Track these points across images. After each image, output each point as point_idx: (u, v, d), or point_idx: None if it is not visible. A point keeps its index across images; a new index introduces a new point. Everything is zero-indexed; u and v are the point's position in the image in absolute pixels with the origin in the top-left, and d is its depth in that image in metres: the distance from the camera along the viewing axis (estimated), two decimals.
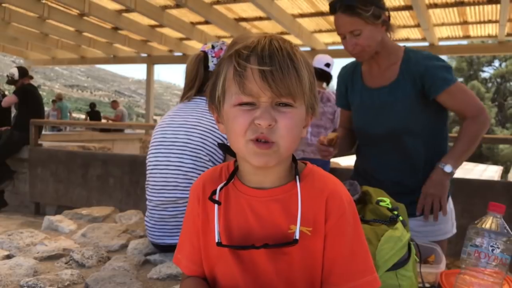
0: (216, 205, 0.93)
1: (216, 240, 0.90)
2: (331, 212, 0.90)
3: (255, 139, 0.83)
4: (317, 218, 0.90)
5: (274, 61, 0.82)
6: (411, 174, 1.84)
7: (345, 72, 2.01)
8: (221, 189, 0.95)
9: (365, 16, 1.69)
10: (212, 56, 1.97)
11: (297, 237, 0.86)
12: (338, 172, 4.24)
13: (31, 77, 6.37)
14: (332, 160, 5.43)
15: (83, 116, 18.94)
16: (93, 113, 13.84)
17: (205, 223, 0.97)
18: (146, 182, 1.96)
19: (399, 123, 1.80)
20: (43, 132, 7.73)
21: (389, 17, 1.78)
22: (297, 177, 0.91)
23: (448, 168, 1.74)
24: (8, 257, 1.88)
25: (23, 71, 6.28)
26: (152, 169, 1.92)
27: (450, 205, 1.90)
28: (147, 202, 1.96)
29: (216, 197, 0.94)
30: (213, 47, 2.00)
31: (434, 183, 1.76)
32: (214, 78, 0.90)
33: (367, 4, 1.69)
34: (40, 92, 6.90)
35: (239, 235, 0.93)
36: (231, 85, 0.85)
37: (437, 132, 1.86)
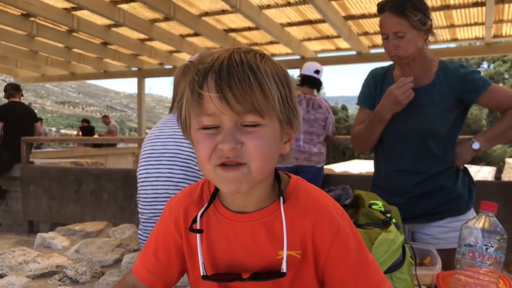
0: (198, 235, 0.87)
1: (202, 274, 0.85)
2: (324, 231, 0.84)
3: (221, 164, 0.76)
4: (305, 239, 0.85)
5: (232, 76, 0.74)
6: (431, 177, 1.84)
7: (376, 73, 2.02)
8: (201, 215, 0.88)
9: (412, 20, 1.72)
10: None
11: (285, 270, 0.81)
12: (332, 178, 4.24)
13: (12, 94, 6.22)
14: (326, 166, 5.44)
15: (74, 132, 18.83)
16: (87, 129, 13.76)
17: (189, 251, 0.92)
18: (138, 195, 1.95)
19: (429, 125, 1.81)
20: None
21: (431, 27, 1.81)
22: (281, 198, 0.84)
23: (475, 145, 1.83)
24: (0, 276, 1.85)
25: (6, 88, 6.19)
26: (142, 181, 1.91)
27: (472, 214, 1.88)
28: (140, 215, 1.94)
29: (197, 225, 0.87)
30: None
31: (456, 153, 1.85)
32: (180, 99, 0.84)
33: (417, 10, 1.73)
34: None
35: (224, 263, 0.88)
36: (192, 107, 0.79)
37: (453, 141, 1.88)
